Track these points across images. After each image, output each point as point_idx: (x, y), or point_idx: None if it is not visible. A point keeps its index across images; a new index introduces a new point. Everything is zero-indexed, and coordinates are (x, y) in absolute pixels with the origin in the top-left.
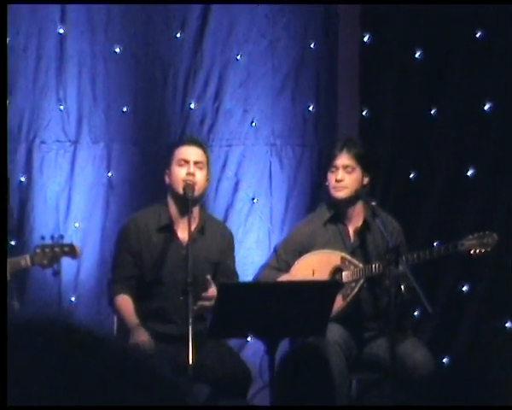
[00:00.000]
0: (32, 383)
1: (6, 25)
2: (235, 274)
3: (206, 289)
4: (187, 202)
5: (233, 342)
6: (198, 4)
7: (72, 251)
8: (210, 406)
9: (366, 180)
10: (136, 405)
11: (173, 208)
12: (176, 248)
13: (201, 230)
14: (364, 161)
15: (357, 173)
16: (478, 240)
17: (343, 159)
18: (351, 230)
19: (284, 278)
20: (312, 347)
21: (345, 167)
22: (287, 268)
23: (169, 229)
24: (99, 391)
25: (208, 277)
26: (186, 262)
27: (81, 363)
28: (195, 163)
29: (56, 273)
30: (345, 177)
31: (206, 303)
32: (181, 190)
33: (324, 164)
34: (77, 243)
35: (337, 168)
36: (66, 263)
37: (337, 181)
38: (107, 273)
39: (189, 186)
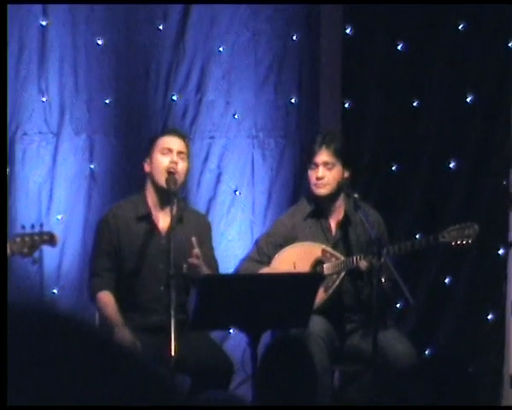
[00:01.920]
0: (15, 370)
1: (6, 25)
2: (214, 262)
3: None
4: (168, 193)
5: (215, 334)
6: None
7: (51, 239)
8: (209, 406)
9: (347, 174)
10: (120, 395)
11: (153, 198)
12: (155, 238)
13: (180, 219)
14: (344, 156)
15: (338, 169)
16: (459, 231)
17: (323, 156)
18: (332, 223)
19: (265, 270)
20: (294, 339)
21: (325, 164)
22: (268, 261)
23: (148, 219)
24: (83, 380)
25: (193, 239)
26: (167, 253)
27: (63, 350)
28: (178, 153)
29: (35, 262)
30: (325, 174)
31: (195, 261)
32: (163, 182)
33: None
34: (58, 234)
35: (317, 165)
36: (48, 255)
37: (318, 179)
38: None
39: (171, 179)
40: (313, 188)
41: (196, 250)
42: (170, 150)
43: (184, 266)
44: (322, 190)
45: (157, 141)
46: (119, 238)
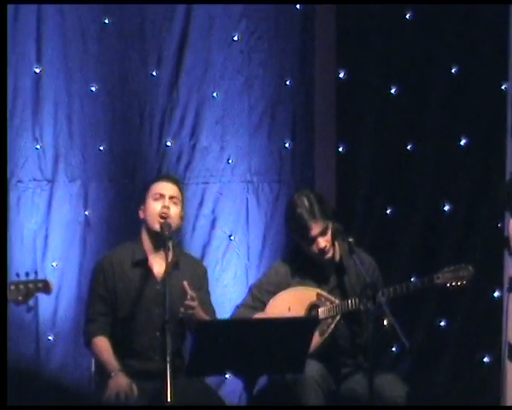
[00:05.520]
0: None
1: (6, 25)
2: (211, 308)
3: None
4: (162, 237)
5: (211, 380)
6: (174, 41)
7: (45, 287)
8: (209, 406)
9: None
10: None
11: (148, 244)
12: (151, 283)
13: (176, 264)
14: (328, 211)
15: (330, 227)
16: (453, 273)
17: (317, 227)
18: (327, 269)
19: (260, 316)
20: (289, 383)
21: (321, 233)
22: (262, 308)
23: (144, 264)
24: None
25: (185, 283)
26: (163, 298)
27: None
28: (170, 198)
29: (30, 309)
30: (325, 240)
31: (191, 302)
32: (156, 227)
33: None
34: (53, 281)
35: (315, 238)
36: (44, 302)
37: (321, 249)
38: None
39: (165, 224)
40: (320, 257)
41: (191, 293)
42: (162, 196)
43: (181, 309)
44: (330, 254)
45: (150, 187)
46: (114, 283)
